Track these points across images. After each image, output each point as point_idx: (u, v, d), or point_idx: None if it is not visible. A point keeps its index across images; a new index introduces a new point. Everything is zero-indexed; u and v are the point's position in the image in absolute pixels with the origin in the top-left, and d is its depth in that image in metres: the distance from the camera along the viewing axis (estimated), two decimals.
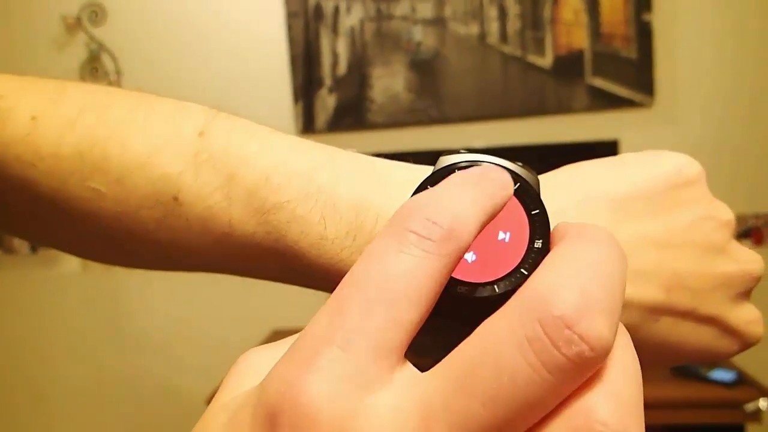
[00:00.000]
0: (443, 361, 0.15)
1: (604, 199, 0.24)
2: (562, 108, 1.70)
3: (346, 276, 0.16)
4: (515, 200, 0.22)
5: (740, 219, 1.69)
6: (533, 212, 0.22)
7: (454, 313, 0.22)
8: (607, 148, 1.62)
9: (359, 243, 0.24)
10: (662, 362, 0.26)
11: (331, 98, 1.79)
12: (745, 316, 0.25)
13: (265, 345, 0.19)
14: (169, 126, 0.26)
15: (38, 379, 2.00)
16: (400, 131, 1.78)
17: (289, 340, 0.18)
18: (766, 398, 1.28)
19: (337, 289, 0.16)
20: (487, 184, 0.18)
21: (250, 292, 1.82)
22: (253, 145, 0.26)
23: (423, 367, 0.16)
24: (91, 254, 0.30)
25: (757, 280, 0.25)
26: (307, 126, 1.79)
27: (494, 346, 0.14)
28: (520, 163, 0.22)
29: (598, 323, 0.14)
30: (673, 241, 0.24)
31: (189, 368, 1.92)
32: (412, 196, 0.21)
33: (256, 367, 0.18)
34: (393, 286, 0.15)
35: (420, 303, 0.15)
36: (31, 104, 0.25)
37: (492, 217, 0.18)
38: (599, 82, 1.67)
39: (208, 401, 1.41)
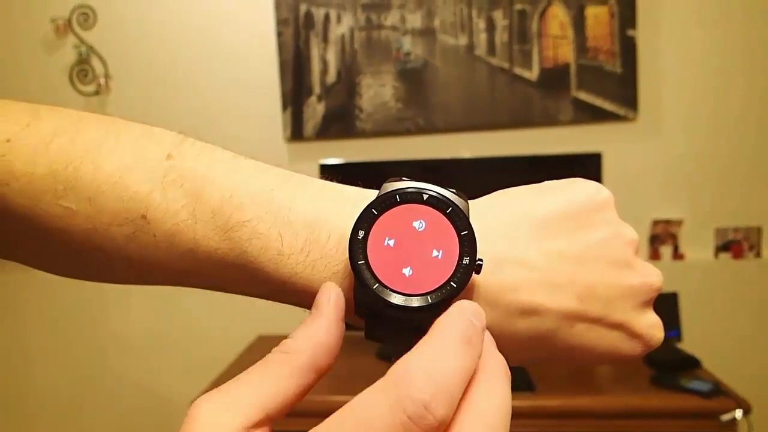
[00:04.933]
0: None
1: (526, 220, 0.28)
2: (548, 120, 1.73)
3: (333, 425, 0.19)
4: (447, 222, 0.26)
5: (720, 233, 1.72)
6: (462, 233, 0.25)
7: (398, 321, 0.25)
8: (591, 161, 1.64)
9: (312, 258, 0.27)
10: (578, 363, 0.29)
11: (320, 106, 1.80)
12: (647, 321, 0.29)
13: (215, 391, 0.21)
14: (139, 149, 0.27)
15: (19, 384, 1.98)
16: (387, 140, 1.80)
17: (234, 384, 0.21)
18: (741, 409, 1.31)
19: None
20: (474, 340, 0.22)
21: (235, 297, 1.82)
22: (218, 168, 0.28)
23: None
24: (62, 270, 0.30)
25: (658, 291, 0.29)
26: (296, 133, 1.80)
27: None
28: (453, 190, 0.26)
29: (439, 407, 0.18)
30: (585, 256, 0.28)
31: (174, 371, 1.91)
32: (357, 218, 0.25)
33: (205, 419, 0.20)
34: None
35: None
36: (5, 127, 0.27)
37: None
38: (584, 96, 1.70)
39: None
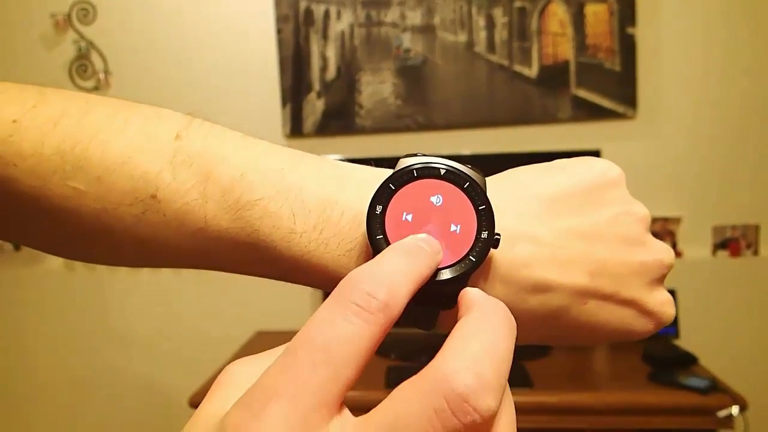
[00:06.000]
0: (371, 413, 0.19)
1: (539, 198, 0.28)
2: (547, 117, 1.73)
3: (297, 336, 0.19)
4: (465, 197, 0.26)
5: (718, 230, 1.73)
6: (480, 207, 0.26)
7: (418, 295, 0.25)
8: None
9: (325, 236, 0.27)
10: (590, 340, 0.29)
11: (319, 102, 1.80)
12: (659, 298, 0.29)
13: (249, 357, 0.21)
14: (148, 129, 0.27)
15: (18, 380, 1.99)
16: (387, 136, 1.80)
17: (269, 354, 0.21)
18: (738, 405, 1.31)
19: (289, 346, 0.19)
20: (419, 254, 0.23)
21: (235, 293, 1.83)
22: (228, 148, 0.28)
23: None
24: (71, 252, 0.30)
25: (669, 268, 0.29)
26: (295, 129, 1.80)
27: (408, 414, 0.18)
28: (469, 166, 0.26)
29: (487, 399, 0.18)
30: (597, 233, 0.28)
31: (173, 366, 1.92)
32: (375, 193, 0.25)
33: (238, 378, 0.21)
34: (335, 350, 0.18)
35: (357, 363, 0.19)
36: (12, 108, 0.27)
37: (423, 281, 0.22)
38: (583, 93, 1.70)
39: (191, 399, 1.42)
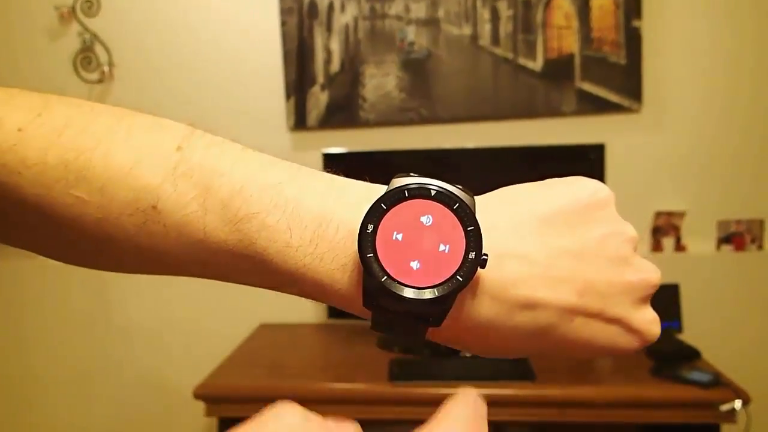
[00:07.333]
0: None
1: (530, 216, 0.29)
2: (552, 111, 1.72)
3: None
4: (454, 217, 0.26)
5: (722, 225, 1.72)
6: (469, 228, 0.26)
7: (405, 312, 0.26)
8: (595, 152, 1.64)
9: (321, 250, 0.27)
10: (578, 356, 0.30)
11: (323, 95, 1.80)
12: (645, 317, 0.30)
13: (302, 410, 0.21)
14: (150, 140, 0.28)
15: (24, 369, 2.00)
16: (391, 130, 1.80)
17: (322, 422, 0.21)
18: (740, 400, 1.32)
19: None
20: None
21: (237, 287, 1.83)
22: (228, 161, 0.28)
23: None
24: (73, 259, 0.31)
25: (655, 287, 0.30)
26: (299, 122, 1.80)
27: None
28: (459, 187, 0.27)
29: None
30: (586, 253, 0.29)
31: (176, 359, 1.93)
32: (367, 212, 0.26)
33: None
34: None
35: None
36: (17, 117, 0.27)
37: None
38: (588, 86, 1.70)
39: (195, 392, 1.42)
